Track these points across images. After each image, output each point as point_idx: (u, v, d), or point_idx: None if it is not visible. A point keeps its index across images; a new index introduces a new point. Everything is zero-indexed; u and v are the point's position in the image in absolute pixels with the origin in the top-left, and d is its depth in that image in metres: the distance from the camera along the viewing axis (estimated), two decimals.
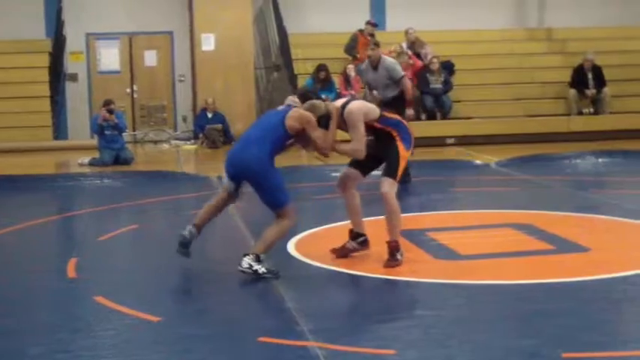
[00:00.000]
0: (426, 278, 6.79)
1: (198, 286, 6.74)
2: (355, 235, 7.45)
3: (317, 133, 6.90)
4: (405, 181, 10.20)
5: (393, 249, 7.08)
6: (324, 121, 6.96)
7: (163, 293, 6.58)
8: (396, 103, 11.06)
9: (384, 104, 11.19)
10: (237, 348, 5.30)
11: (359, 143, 7.02)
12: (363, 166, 7.28)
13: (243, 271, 6.75)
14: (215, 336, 5.52)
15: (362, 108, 7.13)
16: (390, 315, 5.79)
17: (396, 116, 7.32)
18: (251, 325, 5.77)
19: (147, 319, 5.84)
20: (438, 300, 6.23)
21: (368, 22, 17.38)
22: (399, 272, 6.94)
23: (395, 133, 7.14)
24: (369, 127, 7.09)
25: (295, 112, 6.97)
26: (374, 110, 7.18)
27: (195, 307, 6.27)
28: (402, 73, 11.54)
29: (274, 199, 6.90)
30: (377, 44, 11.73)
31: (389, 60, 11.60)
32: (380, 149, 7.18)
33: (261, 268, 6.73)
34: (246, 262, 6.74)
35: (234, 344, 5.38)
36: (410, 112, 11.56)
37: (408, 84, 11.61)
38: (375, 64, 11.47)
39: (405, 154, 7.13)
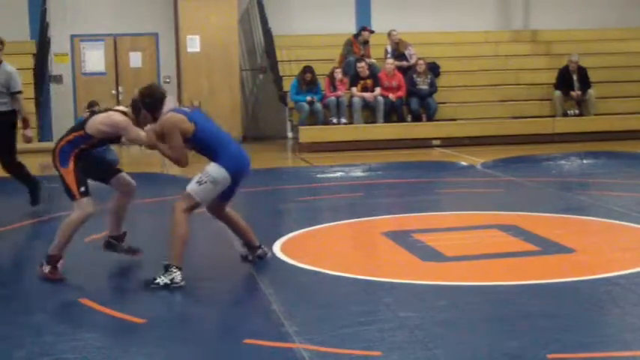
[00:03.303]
0: (412, 279, 6.79)
1: (184, 288, 6.71)
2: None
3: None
4: None
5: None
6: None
7: (148, 295, 6.55)
8: (8, 120, 10.25)
9: None
10: (223, 350, 5.29)
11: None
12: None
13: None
14: (200, 338, 5.51)
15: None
16: (375, 317, 5.79)
17: None
18: (236, 328, 5.76)
19: (132, 321, 5.82)
20: (423, 301, 6.23)
21: (365, 29, 17.30)
22: (384, 274, 6.95)
23: None
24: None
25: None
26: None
27: (180, 309, 6.26)
28: (20, 88, 10.28)
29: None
30: (3, 43, 10.31)
31: (11, 68, 10.31)
32: None
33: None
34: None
35: (220, 346, 5.38)
36: (29, 133, 10.52)
37: (22, 101, 10.32)
38: None
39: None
